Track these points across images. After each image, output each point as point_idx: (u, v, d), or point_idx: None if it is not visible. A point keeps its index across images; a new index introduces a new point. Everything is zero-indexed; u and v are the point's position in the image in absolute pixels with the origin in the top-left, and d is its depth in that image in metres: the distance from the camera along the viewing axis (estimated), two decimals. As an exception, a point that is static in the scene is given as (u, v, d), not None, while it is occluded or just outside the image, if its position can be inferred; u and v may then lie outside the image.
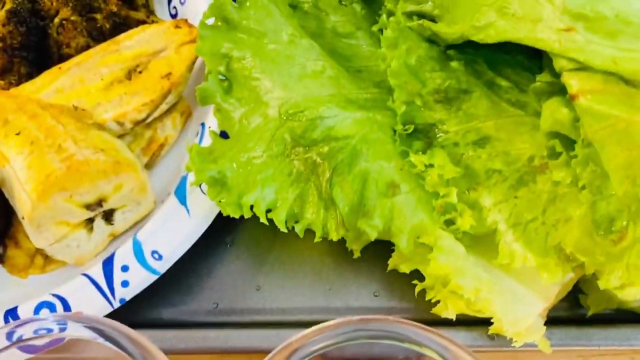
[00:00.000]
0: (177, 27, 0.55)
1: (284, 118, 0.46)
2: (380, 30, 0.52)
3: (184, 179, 0.50)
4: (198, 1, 0.59)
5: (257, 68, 0.48)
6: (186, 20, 0.55)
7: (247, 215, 0.44)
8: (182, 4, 0.61)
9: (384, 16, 0.51)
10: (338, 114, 0.46)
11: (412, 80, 0.47)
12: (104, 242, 0.50)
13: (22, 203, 0.46)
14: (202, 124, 0.54)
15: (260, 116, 0.47)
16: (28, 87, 0.53)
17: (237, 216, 0.44)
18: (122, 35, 0.55)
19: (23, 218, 0.46)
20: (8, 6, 0.56)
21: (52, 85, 0.53)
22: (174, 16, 0.63)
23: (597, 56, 0.36)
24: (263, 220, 0.44)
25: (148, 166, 0.54)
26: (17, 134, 0.49)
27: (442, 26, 0.46)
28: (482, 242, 0.45)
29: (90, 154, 0.47)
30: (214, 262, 0.52)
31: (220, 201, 0.45)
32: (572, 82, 0.37)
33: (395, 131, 0.47)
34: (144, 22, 0.60)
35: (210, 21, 0.50)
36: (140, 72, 0.53)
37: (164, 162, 0.55)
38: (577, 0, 0.36)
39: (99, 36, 0.57)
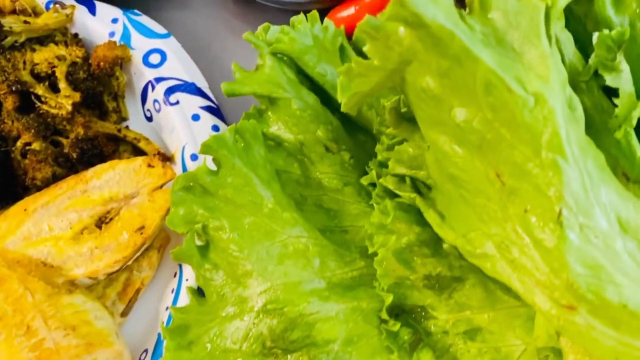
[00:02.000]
0: (149, 166, 0.50)
1: (263, 313, 0.43)
2: (371, 185, 0.48)
3: (159, 342, 0.49)
4: (173, 115, 0.54)
5: (235, 244, 0.45)
6: (159, 158, 0.51)
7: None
8: (157, 111, 0.55)
9: (374, 172, 0.47)
10: (320, 310, 0.43)
11: (400, 268, 0.43)
12: (83, 403, 0.50)
13: (-7, 391, 0.45)
14: (180, 267, 0.51)
15: (239, 301, 0.44)
16: (-7, 231, 0.50)
17: None
18: (91, 172, 0.51)
19: (-5, 405, 0.45)
20: (-35, 132, 0.51)
21: (18, 231, 0.50)
22: (149, 119, 0.57)
23: (598, 346, 0.33)
24: None
25: (124, 313, 0.52)
26: (-17, 306, 0.46)
27: (434, 218, 0.42)
28: None
29: (60, 337, 0.45)
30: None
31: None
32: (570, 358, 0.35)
33: (381, 319, 0.44)
34: (115, 138, 0.55)
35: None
36: (111, 219, 0.50)
37: (140, 304, 0.53)
38: (584, 278, 0.32)
39: (65, 163, 0.53)
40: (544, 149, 0.33)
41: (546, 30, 0.34)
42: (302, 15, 0.48)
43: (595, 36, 0.41)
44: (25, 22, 0.54)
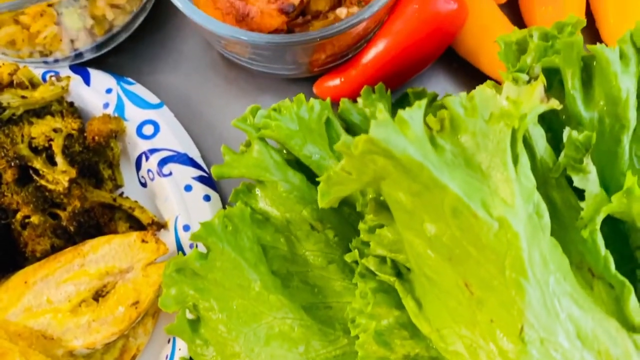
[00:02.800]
0: (143, 241, 0.52)
1: (250, 397, 0.46)
2: (354, 262, 0.50)
3: (156, 408, 0.51)
4: (166, 185, 0.56)
5: (224, 324, 0.47)
6: (153, 231, 0.53)
7: None
8: (151, 179, 0.58)
9: (357, 251, 0.49)
10: (304, 393, 0.46)
11: (380, 350, 0.46)
12: None
13: None
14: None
15: (228, 379, 0.47)
16: (-5, 303, 0.53)
17: None
18: (87, 247, 0.53)
19: None
20: (-34, 207, 0.54)
21: (19, 303, 0.52)
22: (143, 185, 0.59)
23: None
24: None
25: (121, 379, 0.55)
26: (-13, 380, 0.49)
27: (412, 307, 0.44)
28: None
29: (60, 412, 0.48)
30: None
31: None
32: None
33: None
34: (110, 207, 0.57)
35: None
36: (107, 293, 0.52)
37: (137, 369, 0.56)
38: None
39: (63, 234, 0.55)
40: (507, 269, 0.35)
41: (512, 152, 0.36)
42: (287, 100, 0.50)
43: (565, 133, 0.43)
44: (23, 96, 0.56)
